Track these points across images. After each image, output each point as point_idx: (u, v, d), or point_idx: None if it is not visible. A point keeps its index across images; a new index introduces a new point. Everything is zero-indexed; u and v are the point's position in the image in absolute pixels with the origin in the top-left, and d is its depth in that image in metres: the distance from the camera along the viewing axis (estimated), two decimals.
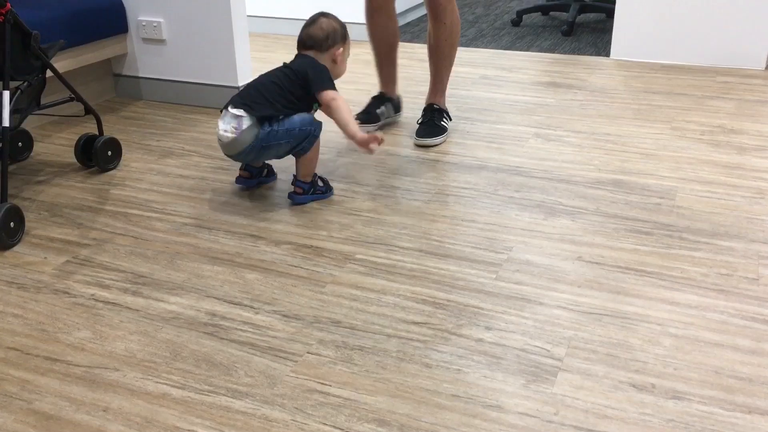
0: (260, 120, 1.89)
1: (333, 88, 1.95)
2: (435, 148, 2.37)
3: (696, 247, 1.74)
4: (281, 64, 2.00)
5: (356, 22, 3.63)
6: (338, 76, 2.03)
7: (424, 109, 2.50)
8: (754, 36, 3.09)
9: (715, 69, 3.15)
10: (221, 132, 1.92)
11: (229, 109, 1.91)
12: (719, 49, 3.16)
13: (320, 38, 1.98)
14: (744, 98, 2.77)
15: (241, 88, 2.01)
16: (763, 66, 3.12)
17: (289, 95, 1.92)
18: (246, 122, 1.89)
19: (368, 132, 2.43)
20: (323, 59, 1.99)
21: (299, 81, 1.93)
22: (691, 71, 3.13)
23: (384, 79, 2.60)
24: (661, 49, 3.26)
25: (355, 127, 1.95)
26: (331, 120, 1.98)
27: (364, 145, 1.93)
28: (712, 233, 1.80)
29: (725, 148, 2.31)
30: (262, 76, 1.97)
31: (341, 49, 2.01)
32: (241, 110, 1.89)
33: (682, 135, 2.43)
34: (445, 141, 2.42)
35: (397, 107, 2.63)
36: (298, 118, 1.93)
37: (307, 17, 2.05)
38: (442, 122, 2.46)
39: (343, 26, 2.03)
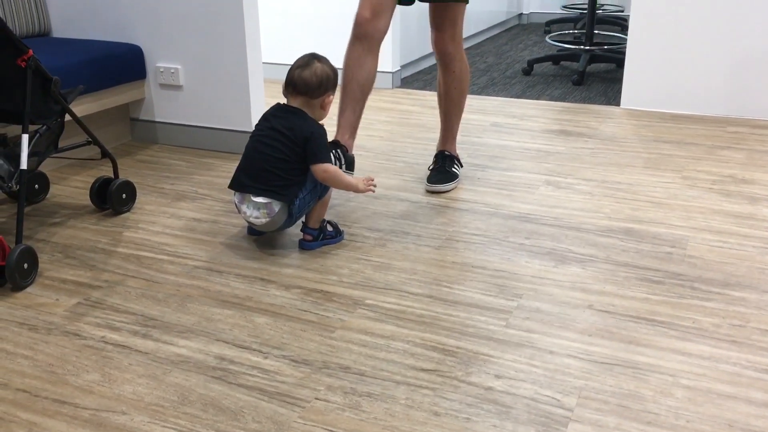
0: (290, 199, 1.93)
1: (328, 159, 1.95)
2: (446, 194, 2.39)
3: (708, 297, 1.73)
4: (271, 118, 1.97)
5: None
6: (322, 119, 2.02)
7: (436, 156, 2.52)
8: (765, 86, 3.12)
9: (725, 119, 3.17)
10: (252, 219, 1.95)
11: (253, 198, 1.92)
12: (729, 99, 3.19)
13: (314, 85, 1.95)
14: (755, 148, 2.78)
15: (244, 159, 1.97)
16: None
17: (297, 164, 1.93)
18: (276, 206, 1.92)
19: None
20: (312, 104, 1.97)
21: (300, 149, 1.92)
22: (702, 121, 3.15)
23: (344, 124, 2.28)
24: (670, 98, 3.29)
25: (352, 181, 2.00)
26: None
27: (365, 191, 2.03)
28: (724, 283, 1.79)
29: (736, 198, 2.31)
30: (263, 148, 1.93)
31: (331, 96, 2.00)
32: (267, 197, 1.91)
33: (693, 184, 2.43)
34: (456, 187, 2.44)
35: (349, 164, 2.26)
36: (312, 175, 1.96)
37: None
38: (453, 169, 2.48)
39: (335, 72, 2.00)
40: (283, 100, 2.00)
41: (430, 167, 2.49)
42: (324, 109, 2.00)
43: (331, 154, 2.27)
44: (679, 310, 1.68)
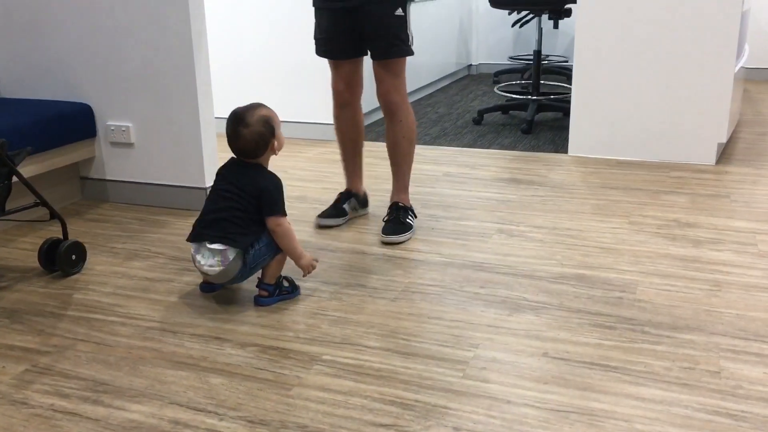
0: (245, 247, 1.93)
1: (282, 212, 1.97)
2: (401, 246, 2.40)
3: (658, 340, 1.77)
4: (227, 173, 2.00)
5: (323, 122, 3.73)
6: (278, 152, 2.05)
7: (389, 207, 2.55)
8: (704, 133, 3.25)
9: (668, 164, 3.28)
10: (206, 267, 1.93)
11: (207, 245, 1.92)
12: (671, 145, 3.31)
13: (252, 150, 1.97)
14: (697, 192, 2.88)
15: (202, 214, 1.98)
16: (713, 161, 3.26)
17: (254, 215, 1.94)
18: (231, 253, 1.92)
19: (333, 225, 2.49)
20: (264, 159, 2.01)
21: (257, 201, 1.94)
22: (646, 167, 3.25)
23: (350, 175, 2.68)
24: (616, 146, 3.40)
25: (298, 250, 2.02)
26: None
27: (305, 269, 2.05)
28: (673, 326, 1.83)
29: (681, 242, 2.38)
30: (219, 199, 1.95)
31: (275, 142, 2.00)
32: (222, 244, 1.91)
33: (640, 229, 2.50)
34: (411, 238, 2.46)
35: (363, 203, 2.68)
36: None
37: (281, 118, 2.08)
38: (407, 220, 2.51)
39: (265, 122, 1.97)
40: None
41: (385, 219, 2.52)
42: (274, 150, 2.02)
43: (345, 206, 2.57)
44: (631, 354, 1.71)
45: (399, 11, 2.34)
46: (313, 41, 2.51)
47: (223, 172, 2.01)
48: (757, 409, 1.49)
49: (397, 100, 2.44)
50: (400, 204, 2.54)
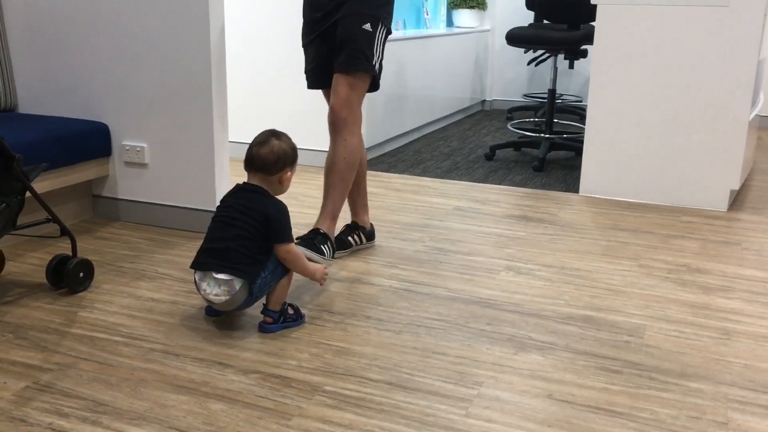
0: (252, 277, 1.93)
1: (290, 239, 1.98)
2: (408, 278, 2.39)
3: (665, 387, 1.74)
4: (230, 199, 2.00)
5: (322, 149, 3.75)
6: (281, 193, 2.04)
7: (312, 231, 2.46)
8: (716, 178, 3.24)
9: (679, 209, 3.27)
10: (211, 296, 1.93)
11: (214, 275, 1.92)
12: (683, 189, 3.30)
13: (270, 162, 1.97)
14: (708, 238, 2.86)
15: (207, 241, 1.97)
16: (725, 208, 3.25)
17: (259, 242, 1.94)
18: (238, 283, 1.92)
19: (337, 258, 2.49)
20: (270, 181, 1.99)
21: (261, 227, 1.93)
22: (657, 210, 3.24)
23: (354, 206, 2.67)
24: (627, 187, 3.40)
25: (310, 268, 2.05)
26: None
27: (321, 281, 2.12)
28: (681, 374, 1.81)
29: (691, 288, 2.36)
30: (225, 227, 1.94)
31: (289, 173, 2.02)
32: (228, 274, 1.91)
33: (650, 273, 2.48)
34: (320, 263, 2.29)
35: (369, 235, 2.67)
36: (274, 256, 1.97)
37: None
38: (323, 246, 2.41)
39: (293, 149, 2.02)
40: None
41: (300, 236, 2.41)
42: (282, 184, 2.02)
43: (351, 238, 2.56)
44: (637, 400, 1.68)
45: (367, 26, 2.33)
46: (305, 77, 2.53)
47: (228, 200, 2.00)
48: None
49: (345, 116, 2.36)
50: (320, 231, 2.44)
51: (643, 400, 1.68)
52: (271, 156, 1.97)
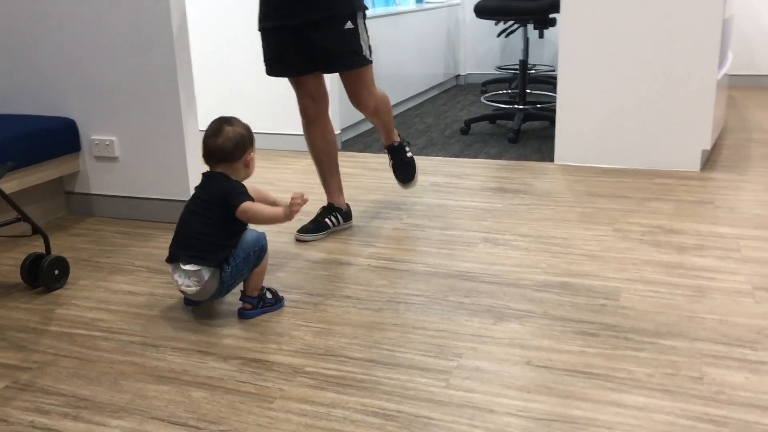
0: (218, 264, 1.92)
1: (245, 200, 1.92)
2: (386, 256, 2.40)
3: (641, 347, 1.77)
4: (196, 189, 2.00)
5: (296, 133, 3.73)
6: (248, 177, 2.03)
7: (387, 151, 2.81)
8: (688, 139, 3.26)
9: (653, 171, 3.29)
10: (183, 287, 1.93)
11: (182, 266, 1.91)
12: (656, 152, 3.32)
13: (230, 150, 1.95)
14: (682, 199, 2.89)
15: (175, 233, 1.97)
16: (698, 168, 3.27)
17: (226, 227, 1.93)
18: (206, 273, 1.91)
19: (311, 241, 2.50)
20: (235, 168, 1.98)
21: (222, 209, 1.92)
22: (631, 174, 3.27)
23: (329, 189, 2.67)
24: (601, 153, 3.41)
25: (276, 212, 1.95)
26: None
27: (291, 215, 1.95)
28: (656, 333, 1.83)
29: (666, 248, 2.38)
30: (189, 217, 1.95)
31: (252, 153, 2.01)
32: (195, 264, 1.90)
33: (625, 236, 2.51)
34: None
35: (346, 216, 2.67)
36: (245, 242, 1.96)
37: (255, 130, 2.08)
38: (407, 156, 2.79)
39: (248, 130, 2.00)
40: None
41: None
42: (249, 166, 2.01)
43: (328, 220, 2.61)
44: (613, 361, 1.71)
45: (348, 25, 2.38)
46: (264, 64, 2.52)
47: (195, 191, 2.01)
48: (738, 414, 1.49)
49: (374, 105, 2.54)
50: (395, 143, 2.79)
51: (620, 361, 1.71)
52: (229, 144, 1.95)
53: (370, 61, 2.47)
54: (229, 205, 1.92)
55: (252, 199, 1.96)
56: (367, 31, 2.46)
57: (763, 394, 1.55)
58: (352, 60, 2.42)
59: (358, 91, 2.50)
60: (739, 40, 5.45)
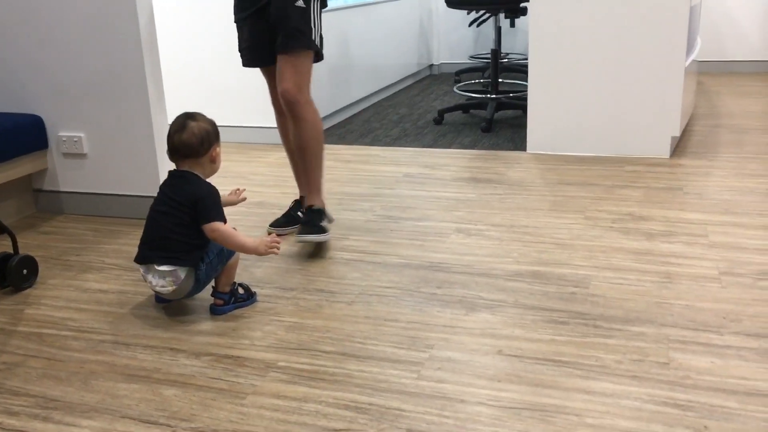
0: (195, 263, 1.91)
1: (217, 219, 1.91)
2: (359, 248, 2.40)
3: (609, 334, 1.79)
4: (164, 187, 1.96)
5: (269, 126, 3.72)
6: (215, 172, 2.01)
7: (306, 209, 2.47)
8: (657, 126, 3.30)
9: (624, 159, 3.33)
10: (158, 288, 1.91)
11: (156, 267, 1.89)
12: (626, 139, 3.36)
13: (196, 145, 1.93)
14: (651, 186, 2.92)
15: (145, 233, 1.94)
16: (668, 154, 3.31)
17: (196, 227, 1.91)
18: (182, 272, 1.90)
19: (284, 234, 2.47)
20: (201, 163, 1.96)
21: (193, 212, 1.90)
22: (602, 161, 3.30)
23: (301, 182, 2.63)
24: (572, 141, 3.44)
25: (248, 243, 1.93)
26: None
27: (265, 252, 1.94)
28: (625, 319, 1.86)
29: (635, 235, 2.41)
30: (160, 217, 1.92)
31: (218, 148, 1.99)
32: (171, 265, 1.89)
33: (595, 224, 2.53)
34: (327, 240, 2.41)
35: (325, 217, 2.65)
36: None
37: (226, 124, 2.08)
38: (322, 224, 2.41)
39: (213, 125, 1.98)
40: None
41: (302, 220, 2.44)
42: (214, 162, 1.99)
43: (300, 213, 2.51)
44: (583, 349, 1.73)
45: (299, 2, 2.28)
46: (239, 54, 2.49)
47: (162, 189, 1.98)
48: (703, 398, 1.51)
49: (299, 99, 2.33)
50: (314, 207, 2.45)
51: (589, 348, 1.73)
52: (194, 139, 1.93)
53: (316, 49, 2.35)
54: (198, 214, 1.90)
55: (224, 219, 1.94)
56: (320, 20, 2.38)
57: (728, 378, 1.58)
58: (295, 39, 2.28)
59: (289, 78, 2.30)
60: (708, 26, 5.51)
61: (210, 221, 1.90)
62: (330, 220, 2.53)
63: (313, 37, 2.34)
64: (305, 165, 2.46)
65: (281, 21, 2.30)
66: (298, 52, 2.31)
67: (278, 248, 1.97)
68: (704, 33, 5.51)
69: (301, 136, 2.40)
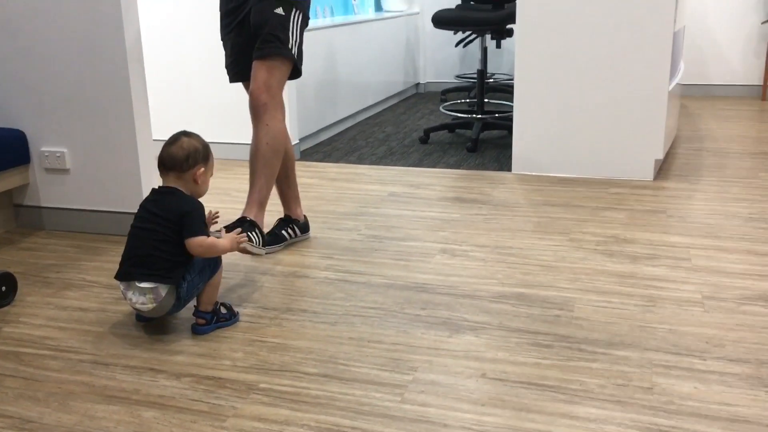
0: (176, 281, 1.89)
1: (202, 233, 1.90)
2: (343, 268, 2.39)
3: (593, 357, 1.79)
4: (146, 204, 1.95)
5: None
6: (200, 195, 2.00)
7: (238, 220, 2.41)
8: (641, 149, 3.33)
9: (608, 181, 3.35)
10: (138, 305, 1.89)
11: (137, 284, 1.87)
12: (610, 162, 3.38)
13: (180, 159, 1.93)
14: (635, 208, 2.94)
15: (126, 250, 1.92)
16: (651, 177, 3.34)
17: (179, 244, 1.89)
18: (163, 290, 1.88)
19: (268, 253, 2.46)
20: (185, 180, 1.95)
21: (177, 227, 1.89)
22: (586, 183, 3.31)
23: (286, 200, 2.63)
24: (557, 163, 3.46)
25: (224, 245, 1.97)
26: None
27: (235, 249, 2.05)
28: (608, 343, 1.86)
29: (619, 258, 2.42)
30: (143, 234, 1.90)
31: (202, 169, 1.97)
32: (152, 282, 1.87)
33: (579, 246, 2.54)
34: (259, 254, 2.41)
35: (304, 228, 2.65)
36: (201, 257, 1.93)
37: (211, 140, 2.07)
38: (252, 234, 2.34)
39: (205, 146, 1.98)
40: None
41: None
42: (197, 182, 1.97)
43: (285, 232, 2.53)
44: (567, 373, 1.72)
45: (279, 10, 2.30)
46: (226, 72, 2.50)
47: (145, 205, 1.96)
48: (687, 424, 1.51)
49: (265, 101, 2.32)
50: (247, 218, 2.38)
51: (573, 372, 1.72)
52: (180, 152, 1.93)
53: (291, 58, 2.34)
54: (183, 228, 1.89)
55: (208, 234, 1.95)
56: (300, 34, 2.37)
57: (711, 403, 1.58)
58: (270, 44, 2.28)
59: (260, 79, 2.31)
60: (691, 51, 5.58)
61: (195, 235, 1.89)
62: (261, 238, 2.40)
63: (290, 46, 2.34)
64: (254, 171, 2.38)
65: (259, 27, 2.31)
66: (273, 58, 2.31)
67: (245, 239, 2.08)
68: (687, 57, 5.59)
69: (259, 141, 2.36)
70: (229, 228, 2.31)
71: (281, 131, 2.40)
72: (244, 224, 2.38)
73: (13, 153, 2.68)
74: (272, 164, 2.40)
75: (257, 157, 2.39)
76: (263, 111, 2.34)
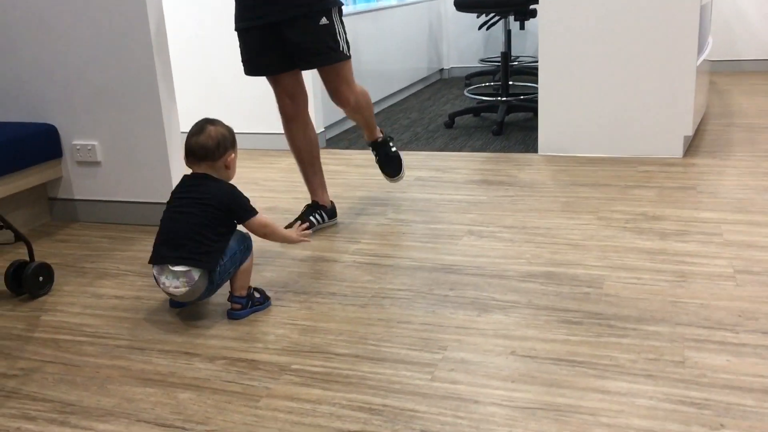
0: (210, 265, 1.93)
1: (256, 213, 2.00)
2: (371, 252, 2.40)
3: (624, 333, 1.78)
4: (182, 190, 1.99)
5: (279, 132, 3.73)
6: (230, 179, 2.04)
7: (372, 148, 2.85)
8: (670, 126, 3.28)
9: (636, 159, 3.31)
10: (171, 289, 1.92)
11: (171, 267, 1.90)
12: (639, 140, 3.34)
13: (212, 148, 1.96)
14: (664, 185, 2.91)
15: (161, 233, 1.96)
16: (681, 154, 3.29)
17: (218, 228, 1.94)
18: (196, 273, 1.91)
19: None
20: (216, 168, 1.99)
21: (222, 214, 1.94)
22: (614, 162, 3.28)
23: (312, 187, 2.67)
24: (584, 143, 3.43)
25: (287, 234, 2.13)
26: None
27: (298, 240, 2.16)
28: (639, 319, 1.85)
29: (648, 235, 2.40)
30: (181, 218, 1.93)
31: (233, 155, 2.01)
32: (186, 265, 1.89)
33: (608, 224, 2.52)
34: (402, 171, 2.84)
35: (331, 213, 2.68)
36: (233, 241, 1.97)
37: (238, 130, 2.10)
38: (392, 151, 2.84)
39: (230, 131, 2.03)
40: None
41: (376, 160, 2.88)
42: (229, 168, 2.02)
43: (312, 218, 2.61)
44: (597, 348, 1.72)
45: (324, 20, 2.37)
46: (242, 64, 2.53)
47: (178, 192, 2.00)
48: (719, 396, 1.50)
49: (353, 99, 2.53)
50: (379, 140, 2.82)
51: (603, 348, 1.72)
52: (210, 141, 1.96)
53: (348, 57, 2.47)
54: (237, 216, 1.97)
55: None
56: (343, 26, 2.45)
57: (744, 375, 1.57)
58: (328, 56, 2.42)
59: (337, 87, 2.49)
60: (720, 26, 5.48)
61: (251, 217, 1.98)
62: (401, 163, 2.87)
63: (342, 48, 2.44)
64: (366, 121, 2.72)
65: (309, 42, 2.39)
66: (334, 65, 2.45)
67: (309, 237, 2.23)
68: (715, 32, 5.48)
69: (358, 109, 2.62)
70: (378, 160, 2.84)
71: (363, 92, 2.63)
72: (379, 147, 2.82)
73: (46, 147, 2.73)
74: (370, 106, 2.71)
75: (359, 113, 2.65)
76: (355, 104, 2.56)
